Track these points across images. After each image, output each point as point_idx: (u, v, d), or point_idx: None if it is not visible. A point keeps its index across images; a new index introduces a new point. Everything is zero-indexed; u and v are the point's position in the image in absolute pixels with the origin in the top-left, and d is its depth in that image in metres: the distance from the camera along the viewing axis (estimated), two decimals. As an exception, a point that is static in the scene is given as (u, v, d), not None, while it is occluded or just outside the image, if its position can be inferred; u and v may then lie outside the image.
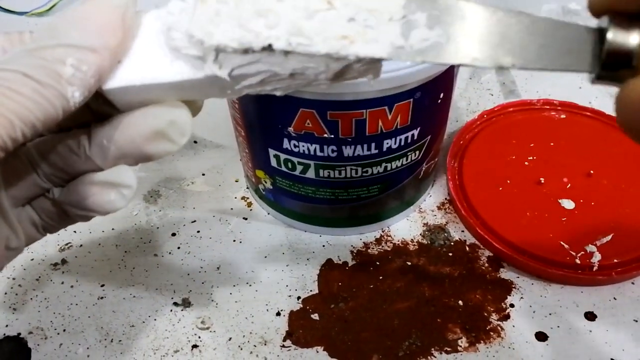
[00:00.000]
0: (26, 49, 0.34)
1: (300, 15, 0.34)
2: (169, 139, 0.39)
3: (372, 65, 0.36)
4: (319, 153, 0.61)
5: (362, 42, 0.34)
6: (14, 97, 0.32)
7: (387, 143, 0.61)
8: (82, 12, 0.35)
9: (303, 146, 0.61)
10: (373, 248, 0.71)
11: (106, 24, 0.35)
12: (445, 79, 0.59)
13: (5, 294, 0.67)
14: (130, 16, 0.37)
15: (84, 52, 0.34)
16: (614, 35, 0.31)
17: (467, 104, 0.90)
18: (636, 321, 0.63)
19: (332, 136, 0.59)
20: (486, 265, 0.69)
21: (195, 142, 0.85)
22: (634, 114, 0.30)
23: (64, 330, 0.64)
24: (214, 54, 0.35)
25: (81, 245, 0.72)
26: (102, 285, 0.68)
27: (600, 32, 0.32)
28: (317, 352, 0.62)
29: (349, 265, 0.69)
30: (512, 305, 0.65)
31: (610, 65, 0.32)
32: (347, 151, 0.61)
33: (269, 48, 0.34)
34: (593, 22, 0.33)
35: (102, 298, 0.67)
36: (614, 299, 0.65)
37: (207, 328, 0.64)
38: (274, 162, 0.65)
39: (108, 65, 0.35)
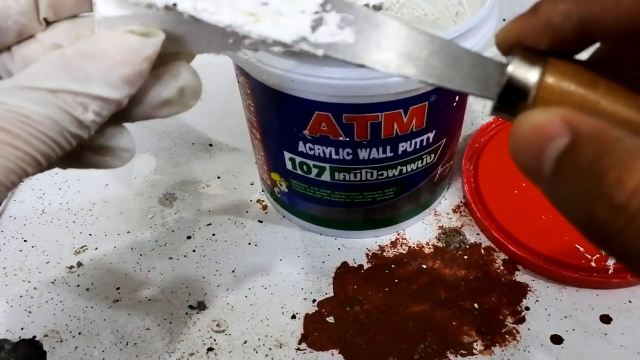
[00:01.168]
0: (46, 87, 0.33)
1: None
2: (180, 104, 0.38)
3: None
4: (334, 156, 0.61)
5: (268, 24, 0.34)
6: (44, 140, 0.32)
7: (403, 146, 0.61)
8: (107, 54, 0.34)
9: (318, 149, 0.61)
10: (388, 251, 0.71)
11: (133, 76, 0.34)
12: (460, 82, 0.59)
13: (21, 296, 0.68)
14: (153, 61, 0.35)
15: (107, 101, 0.34)
16: (514, 69, 0.32)
17: (482, 107, 0.90)
18: (652, 324, 0.63)
19: (348, 139, 0.59)
20: (501, 268, 0.69)
21: (210, 145, 0.85)
22: (520, 146, 0.29)
23: (80, 333, 0.64)
24: None
25: (96, 248, 0.72)
26: (118, 288, 0.68)
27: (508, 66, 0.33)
28: (333, 355, 0.62)
29: (364, 268, 0.69)
30: (527, 308, 0.65)
31: (506, 97, 0.32)
32: (363, 154, 0.61)
33: (172, 7, 0.34)
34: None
35: (117, 301, 0.67)
36: (630, 301, 0.65)
37: (223, 331, 0.64)
38: (289, 165, 0.65)
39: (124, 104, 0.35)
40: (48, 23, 0.40)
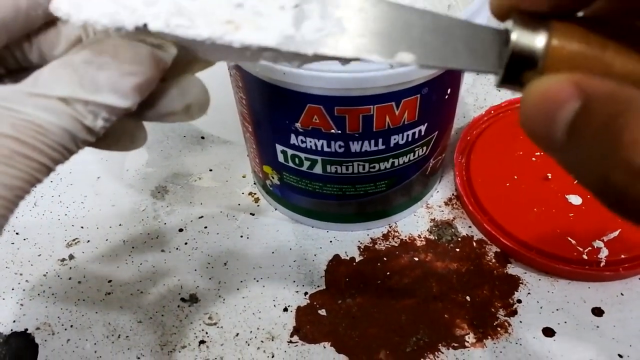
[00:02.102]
0: (57, 95, 0.32)
1: None
2: (185, 116, 0.39)
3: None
4: (326, 149, 0.61)
5: (249, 29, 0.32)
6: (56, 149, 0.32)
7: (395, 139, 0.61)
8: (118, 63, 0.33)
9: (310, 142, 0.61)
10: (380, 244, 0.71)
11: (143, 86, 0.34)
12: (452, 75, 0.59)
13: (13, 289, 0.68)
14: (164, 72, 0.35)
15: (116, 109, 0.34)
16: (518, 36, 0.30)
17: (474, 100, 0.90)
18: (644, 317, 0.64)
19: (340, 132, 0.59)
20: (493, 261, 0.69)
21: (202, 137, 0.85)
22: (530, 114, 0.29)
23: (72, 326, 0.64)
24: None
25: (88, 241, 0.72)
26: (110, 281, 0.68)
27: (507, 34, 0.31)
28: (325, 347, 0.62)
29: (356, 260, 0.69)
30: (519, 301, 0.65)
31: (514, 67, 0.30)
32: (355, 147, 0.61)
33: (143, 28, 0.32)
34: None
35: (109, 294, 0.67)
36: (621, 294, 0.65)
37: (215, 324, 0.64)
38: (281, 158, 0.65)
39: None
40: None
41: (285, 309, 0.65)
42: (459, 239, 0.71)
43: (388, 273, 0.68)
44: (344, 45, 0.32)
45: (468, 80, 0.93)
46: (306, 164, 0.64)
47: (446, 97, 0.61)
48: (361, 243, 0.71)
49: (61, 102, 0.32)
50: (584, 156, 0.27)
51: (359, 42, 0.31)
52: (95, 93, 0.33)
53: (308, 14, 0.32)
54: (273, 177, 0.69)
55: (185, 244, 0.72)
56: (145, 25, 0.32)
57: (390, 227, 0.73)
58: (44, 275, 0.69)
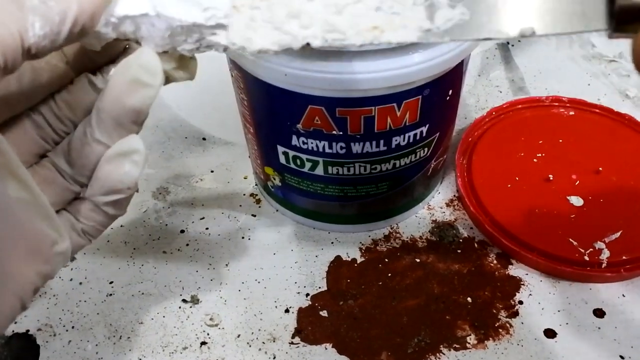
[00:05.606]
0: None
1: (330, 12, 0.36)
2: (143, 83, 0.39)
3: None
4: (327, 150, 0.61)
5: (391, 30, 0.36)
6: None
7: (396, 140, 0.61)
8: None
9: (312, 143, 0.61)
10: (382, 245, 0.71)
11: None
12: (453, 76, 0.59)
13: (15, 290, 0.67)
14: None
15: None
16: None
17: (475, 101, 0.90)
18: (645, 318, 0.63)
19: (341, 133, 0.59)
20: (495, 262, 0.69)
21: (204, 138, 0.85)
22: None
23: (73, 327, 0.64)
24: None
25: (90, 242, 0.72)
26: (111, 282, 0.68)
27: None
28: (326, 349, 0.62)
29: (358, 262, 0.69)
30: (520, 302, 0.65)
31: (623, 20, 0.33)
32: (356, 148, 0.61)
33: (307, 46, 0.36)
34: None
35: (110, 295, 0.67)
36: (623, 296, 0.65)
37: (216, 325, 0.64)
38: (282, 159, 0.65)
39: (76, 9, 0.34)
40: None
41: (287, 310, 0.65)
42: (461, 240, 0.71)
43: (389, 274, 0.68)
44: (474, 29, 0.36)
45: (469, 81, 0.93)
46: (307, 165, 0.64)
47: (447, 98, 0.61)
48: (362, 244, 0.71)
49: None
50: None
51: (485, 23, 0.35)
52: None
53: (438, 6, 0.36)
54: (274, 179, 0.69)
55: (187, 245, 0.72)
56: (308, 44, 0.37)
57: (391, 228, 0.73)
58: (46, 276, 0.69)
